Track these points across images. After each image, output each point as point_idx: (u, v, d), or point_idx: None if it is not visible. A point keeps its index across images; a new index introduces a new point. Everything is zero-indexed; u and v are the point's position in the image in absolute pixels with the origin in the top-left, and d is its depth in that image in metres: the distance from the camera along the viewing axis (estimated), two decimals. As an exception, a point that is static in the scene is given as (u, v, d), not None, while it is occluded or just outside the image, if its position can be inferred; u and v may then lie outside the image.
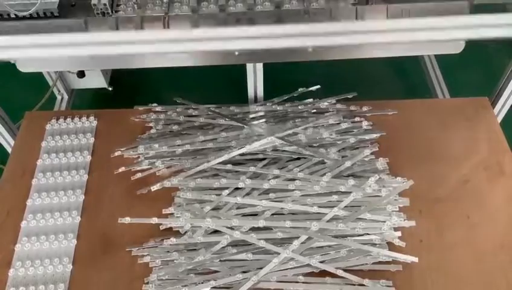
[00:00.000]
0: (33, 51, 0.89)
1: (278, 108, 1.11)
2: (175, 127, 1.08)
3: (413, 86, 1.70)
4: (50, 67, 1.12)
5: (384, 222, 0.90)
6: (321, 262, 0.85)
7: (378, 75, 1.72)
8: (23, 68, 0.96)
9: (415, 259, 0.86)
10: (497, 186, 0.97)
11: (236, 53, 0.90)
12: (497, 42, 1.66)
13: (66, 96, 1.59)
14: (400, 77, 1.75)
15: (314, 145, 1.03)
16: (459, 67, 1.64)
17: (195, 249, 0.89)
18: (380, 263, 0.86)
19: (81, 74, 1.49)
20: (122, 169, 1.01)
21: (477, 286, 0.84)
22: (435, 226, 0.92)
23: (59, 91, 1.58)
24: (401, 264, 0.86)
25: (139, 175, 1.00)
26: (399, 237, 0.89)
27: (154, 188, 0.97)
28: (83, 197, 0.97)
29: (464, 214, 0.93)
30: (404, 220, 0.91)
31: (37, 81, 1.52)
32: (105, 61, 0.97)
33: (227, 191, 0.95)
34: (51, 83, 1.53)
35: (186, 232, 0.91)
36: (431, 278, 0.85)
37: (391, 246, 0.88)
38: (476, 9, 0.91)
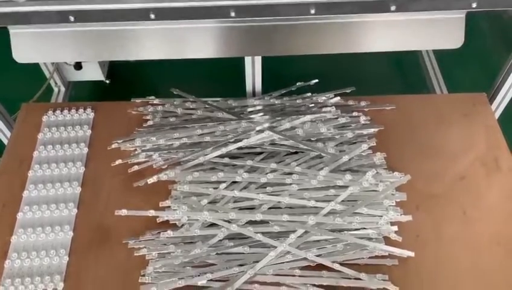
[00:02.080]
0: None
1: (276, 102, 1.11)
2: (172, 120, 1.08)
3: (411, 81, 1.70)
4: (47, 57, 1.11)
5: (381, 216, 0.90)
6: (318, 256, 0.85)
7: (377, 70, 1.72)
8: (20, 59, 0.95)
9: (411, 253, 0.87)
10: (493, 182, 0.97)
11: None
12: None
13: (63, 89, 1.58)
14: (398, 73, 1.75)
15: (312, 139, 1.03)
16: (458, 64, 1.64)
17: (192, 242, 0.89)
18: (376, 257, 0.87)
19: (78, 66, 1.48)
20: (119, 161, 1.01)
21: (474, 281, 0.85)
22: (432, 221, 0.92)
23: (56, 83, 1.57)
24: (397, 258, 0.86)
25: (136, 168, 1.00)
26: (395, 232, 0.89)
27: (150, 180, 0.96)
28: (80, 189, 0.97)
29: (461, 209, 0.93)
30: (401, 214, 0.91)
31: (34, 73, 1.51)
32: (103, 52, 0.96)
33: (224, 185, 0.95)
34: (48, 75, 1.52)
35: (183, 225, 0.91)
36: (427, 273, 0.85)
37: (388, 241, 0.88)
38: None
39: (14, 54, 0.95)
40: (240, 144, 1.00)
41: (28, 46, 0.94)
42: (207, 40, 0.97)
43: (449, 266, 0.86)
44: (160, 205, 0.93)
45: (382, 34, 0.97)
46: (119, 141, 1.04)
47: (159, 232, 0.90)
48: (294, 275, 0.84)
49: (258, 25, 0.93)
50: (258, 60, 1.05)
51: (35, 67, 1.50)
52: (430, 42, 0.99)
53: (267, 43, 0.97)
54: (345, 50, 0.98)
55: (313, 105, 1.10)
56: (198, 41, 0.96)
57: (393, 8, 0.86)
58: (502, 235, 0.90)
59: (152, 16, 0.85)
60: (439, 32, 0.96)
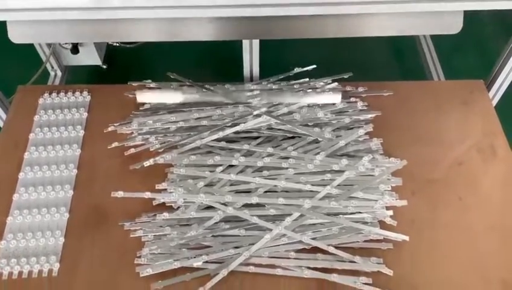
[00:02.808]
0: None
1: (274, 87, 1.11)
2: (169, 104, 1.07)
3: (409, 68, 1.69)
4: (43, 38, 1.10)
5: (377, 200, 0.90)
6: (313, 239, 0.86)
7: (375, 57, 1.72)
8: (15, 39, 0.94)
9: (406, 238, 0.87)
10: (489, 168, 0.98)
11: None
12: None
13: (59, 73, 1.57)
14: (396, 59, 1.74)
15: (309, 124, 1.03)
16: (456, 51, 1.64)
17: (187, 224, 0.89)
18: (371, 241, 0.87)
19: (75, 50, 1.47)
20: (115, 144, 1.00)
21: (468, 266, 0.85)
22: (427, 206, 0.92)
23: (52, 67, 1.56)
24: (392, 242, 0.87)
25: (132, 150, 1.00)
26: (391, 216, 0.90)
27: (147, 163, 0.96)
28: (76, 171, 0.97)
29: (456, 195, 0.94)
30: (396, 199, 0.92)
31: (30, 57, 1.51)
32: (99, 33, 0.95)
33: (221, 168, 0.95)
34: (44, 59, 1.51)
35: (179, 207, 0.91)
36: (421, 258, 0.86)
37: (383, 225, 0.89)
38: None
39: (10, 34, 0.94)
40: (236, 128, 1.00)
41: (24, 26, 0.93)
42: (205, 23, 0.96)
43: (444, 251, 0.87)
44: (156, 188, 0.93)
45: (381, 19, 0.97)
46: (115, 124, 1.04)
47: (155, 215, 0.90)
48: (289, 258, 0.85)
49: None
50: (256, 44, 1.05)
51: (32, 51, 1.49)
52: (428, 28, 0.98)
53: (265, 27, 0.96)
54: (344, 34, 0.97)
55: (310, 90, 1.10)
56: (196, 24, 0.95)
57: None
58: (497, 221, 0.90)
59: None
60: (437, 18, 0.95)
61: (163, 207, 0.92)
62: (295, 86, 1.10)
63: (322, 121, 1.03)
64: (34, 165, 0.97)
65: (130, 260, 0.85)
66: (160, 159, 0.97)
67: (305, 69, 1.14)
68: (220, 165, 0.95)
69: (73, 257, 0.86)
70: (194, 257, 0.84)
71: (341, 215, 0.89)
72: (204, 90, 1.09)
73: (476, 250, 0.87)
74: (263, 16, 0.92)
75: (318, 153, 0.96)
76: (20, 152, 1.00)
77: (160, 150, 0.99)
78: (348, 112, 1.06)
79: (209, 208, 0.90)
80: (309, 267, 0.83)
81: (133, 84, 1.11)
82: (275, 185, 0.92)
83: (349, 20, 0.95)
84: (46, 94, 1.10)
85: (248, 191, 0.92)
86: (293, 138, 1.01)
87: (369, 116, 1.05)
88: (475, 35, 1.68)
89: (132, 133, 1.03)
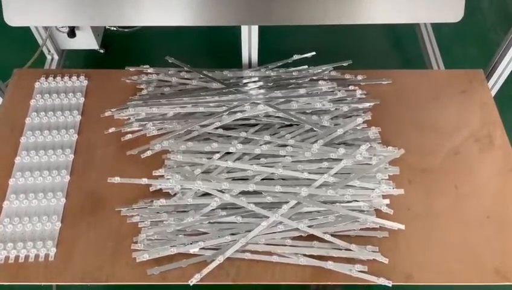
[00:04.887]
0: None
1: (272, 74, 1.10)
2: (167, 90, 1.07)
3: (409, 58, 1.68)
4: (40, 21, 1.09)
5: (373, 189, 0.90)
6: (309, 227, 0.86)
7: (375, 46, 1.70)
8: (11, 22, 0.93)
9: (402, 226, 0.87)
10: (486, 158, 0.98)
11: None
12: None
13: (56, 57, 1.56)
14: (396, 49, 1.73)
15: (307, 112, 1.02)
16: (456, 42, 1.62)
17: (184, 211, 0.89)
18: (367, 229, 0.88)
19: (71, 34, 1.45)
20: (112, 130, 1.00)
21: (462, 255, 0.86)
22: (423, 195, 0.93)
23: (49, 51, 1.54)
24: (387, 231, 0.87)
25: (129, 136, 0.99)
26: (387, 205, 0.90)
27: (144, 155, 0.96)
28: (73, 156, 0.97)
29: (453, 184, 0.94)
30: (393, 188, 0.92)
31: (27, 41, 1.49)
32: (97, 16, 0.94)
33: (218, 155, 0.94)
34: (41, 42, 1.49)
35: (176, 194, 0.91)
36: (417, 246, 0.86)
37: (379, 213, 0.89)
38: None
39: (6, 17, 0.92)
40: (235, 117, 0.99)
41: (20, 8, 0.91)
42: (204, 7, 0.95)
43: (439, 239, 0.87)
44: (153, 174, 0.93)
45: (383, 6, 0.96)
46: (112, 110, 1.03)
47: (152, 201, 0.90)
48: (285, 245, 0.85)
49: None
50: (255, 30, 1.03)
51: (28, 35, 1.47)
52: (429, 15, 0.97)
53: (264, 12, 0.95)
54: (344, 21, 0.96)
55: (309, 78, 1.09)
56: (195, 9, 0.94)
57: None
58: (491, 210, 0.91)
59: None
60: (439, 5, 0.94)
61: (160, 193, 0.92)
62: (294, 73, 1.10)
63: (320, 109, 1.03)
64: (31, 149, 0.97)
65: (126, 246, 0.85)
66: (158, 146, 0.96)
67: (304, 56, 1.13)
68: (217, 152, 0.95)
69: (69, 242, 0.86)
70: (191, 243, 0.84)
71: (338, 204, 0.89)
72: (202, 75, 1.08)
73: (471, 239, 0.87)
74: (262, 1, 0.91)
75: (316, 141, 0.96)
76: (16, 136, 0.99)
77: (157, 136, 0.99)
78: (346, 100, 1.05)
79: (206, 194, 0.90)
80: (305, 255, 0.84)
81: (131, 69, 1.11)
82: (272, 173, 0.92)
83: (349, 6, 0.94)
84: (42, 78, 1.09)
85: (245, 179, 0.92)
86: (290, 125, 1.01)
87: (368, 104, 1.04)
88: (475, 26, 1.67)
89: (129, 118, 1.02)
